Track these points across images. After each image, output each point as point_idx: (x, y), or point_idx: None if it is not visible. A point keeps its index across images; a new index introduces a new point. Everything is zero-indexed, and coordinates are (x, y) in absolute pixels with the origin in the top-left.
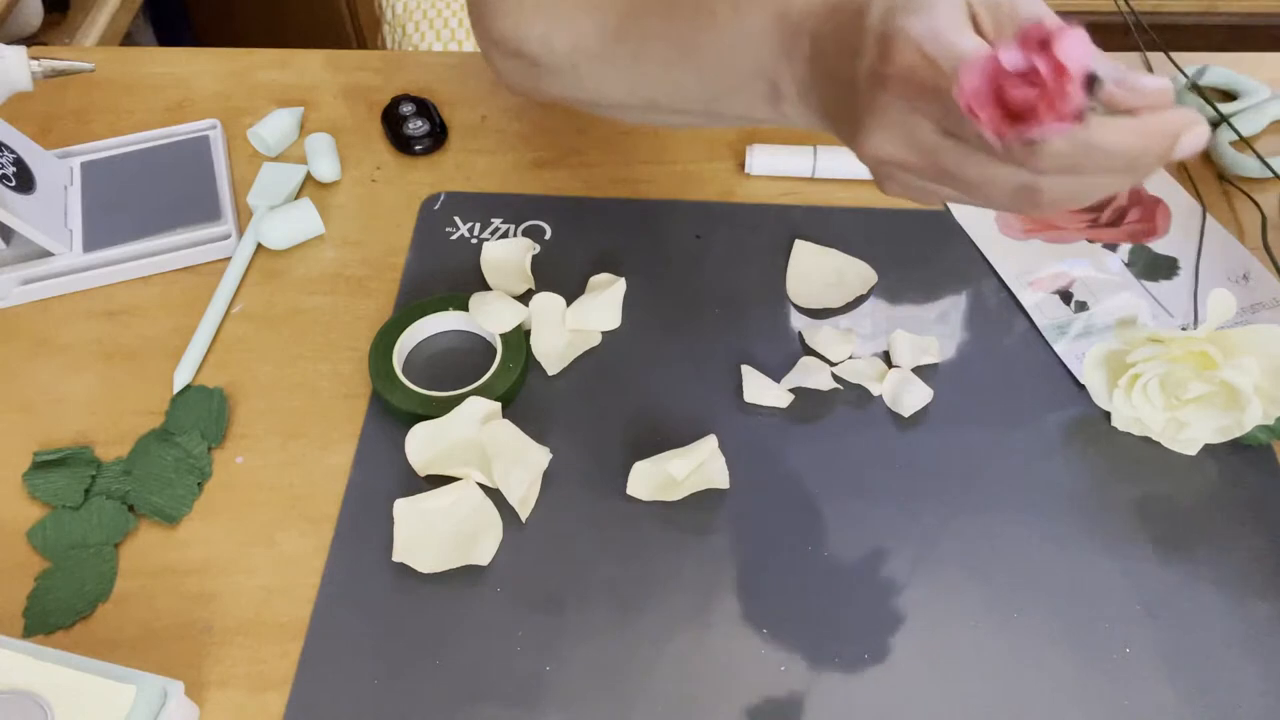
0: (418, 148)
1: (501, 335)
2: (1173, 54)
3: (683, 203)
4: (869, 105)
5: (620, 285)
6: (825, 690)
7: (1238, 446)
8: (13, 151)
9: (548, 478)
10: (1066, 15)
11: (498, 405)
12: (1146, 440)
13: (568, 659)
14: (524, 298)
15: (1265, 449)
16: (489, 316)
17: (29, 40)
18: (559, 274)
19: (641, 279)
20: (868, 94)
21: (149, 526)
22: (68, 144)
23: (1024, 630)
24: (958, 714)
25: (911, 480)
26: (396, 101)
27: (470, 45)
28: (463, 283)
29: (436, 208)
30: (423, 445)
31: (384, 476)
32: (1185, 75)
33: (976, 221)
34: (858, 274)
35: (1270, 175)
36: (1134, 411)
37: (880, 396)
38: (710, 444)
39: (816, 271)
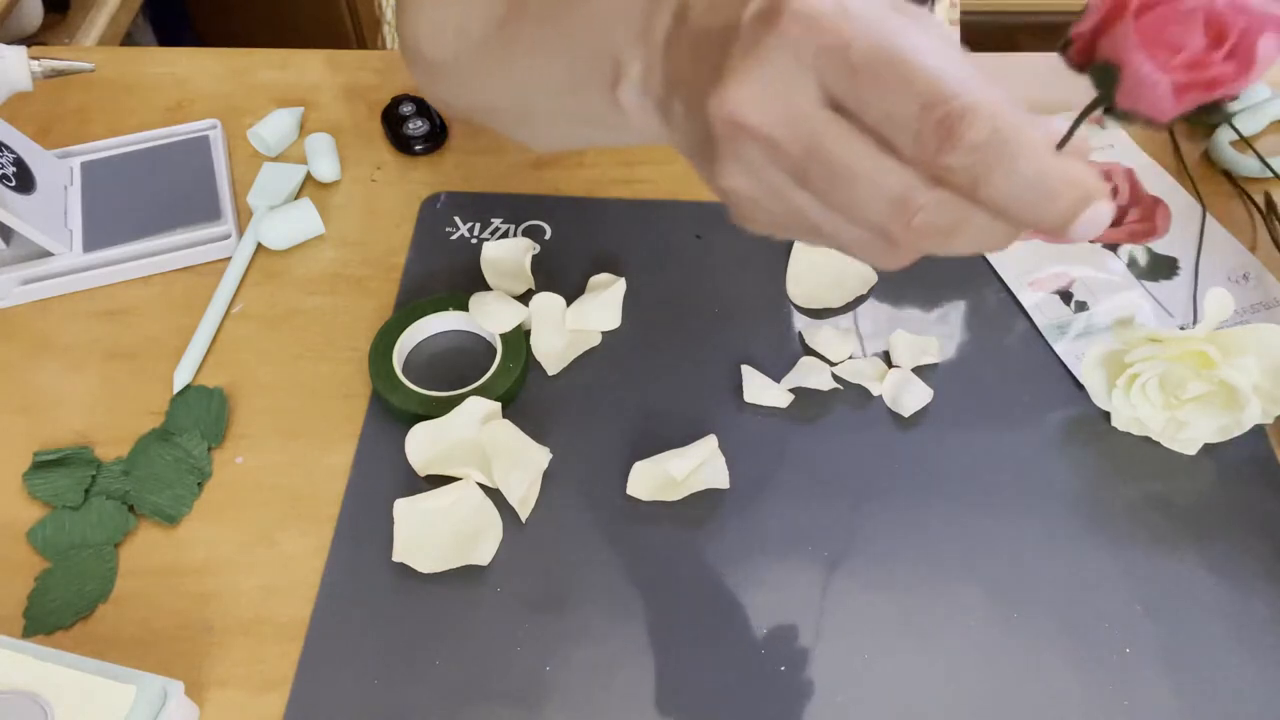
0: (418, 148)
1: (501, 335)
2: None
3: (683, 203)
4: (747, 47)
5: (620, 285)
6: (825, 690)
7: (1238, 446)
8: (13, 151)
9: (548, 478)
10: (1069, 16)
11: (498, 405)
12: (1146, 440)
13: (568, 659)
14: (524, 298)
15: (1265, 449)
16: (489, 316)
17: (29, 40)
18: (559, 274)
19: (641, 279)
20: (749, 37)
21: (149, 526)
22: (68, 144)
23: (1024, 630)
24: (958, 714)
25: (911, 480)
26: (396, 101)
27: None
28: (463, 283)
29: (436, 208)
30: (423, 445)
31: (384, 476)
32: None
33: None
34: (858, 274)
35: (1270, 175)
36: (1133, 411)
37: (880, 396)
38: (710, 444)
39: (816, 271)
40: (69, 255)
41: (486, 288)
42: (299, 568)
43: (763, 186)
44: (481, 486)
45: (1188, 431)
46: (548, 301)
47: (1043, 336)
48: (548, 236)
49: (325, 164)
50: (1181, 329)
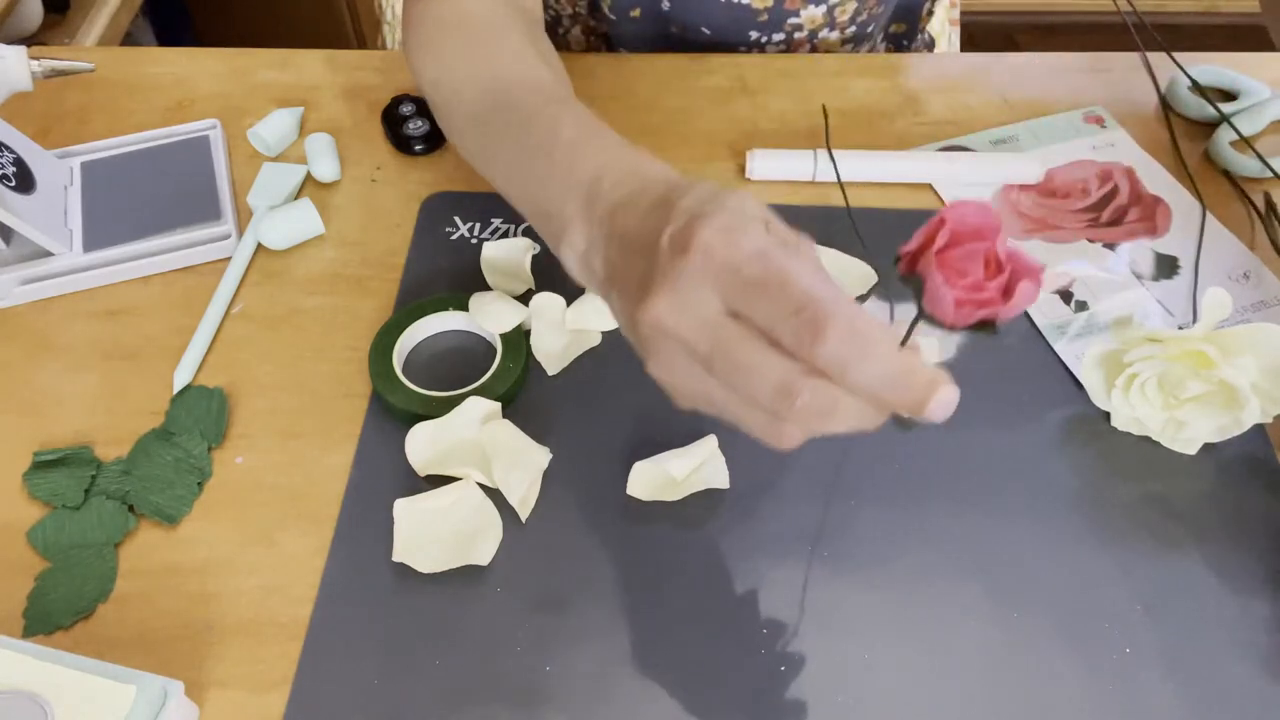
0: (418, 148)
1: (501, 335)
2: (1173, 54)
3: None
4: (664, 270)
5: None
6: (825, 690)
7: (1237, 446)
8: (13, 151)
9: (548, 478)
10: (1069, 15)
11: (498, 405)
12: (1146, 440)
13: (568, 659)
14: (524, 298)
15: (1264, 448)
16: (489, 316)
17: (29, 40)
18: (559, 274)
19: None
20: (666, 259)
21: (149, 526)
22: (68, 144)
23: (1024, 630)
24: (958, 714)
25: (911, 480)
26: (396, 101)
27: None
28: (463, 283)
29: (436, 208)
30: (423, 445)
31: (384, 476)
32: (1186, 75)
33: None
34: (858, 274)
35: (1270, 175)
36: (1132, 411)
37: None
38: (710, 444)
39: None
40: (69, 255)
41: (486, 288)
42: (299, 568)
43: (680, 375)
44: (481, 486)
45: (1187, 431)
46: (548, 301)
47: (1043, 336)
48: None
49: (325, 164)
50: (1180, 329)
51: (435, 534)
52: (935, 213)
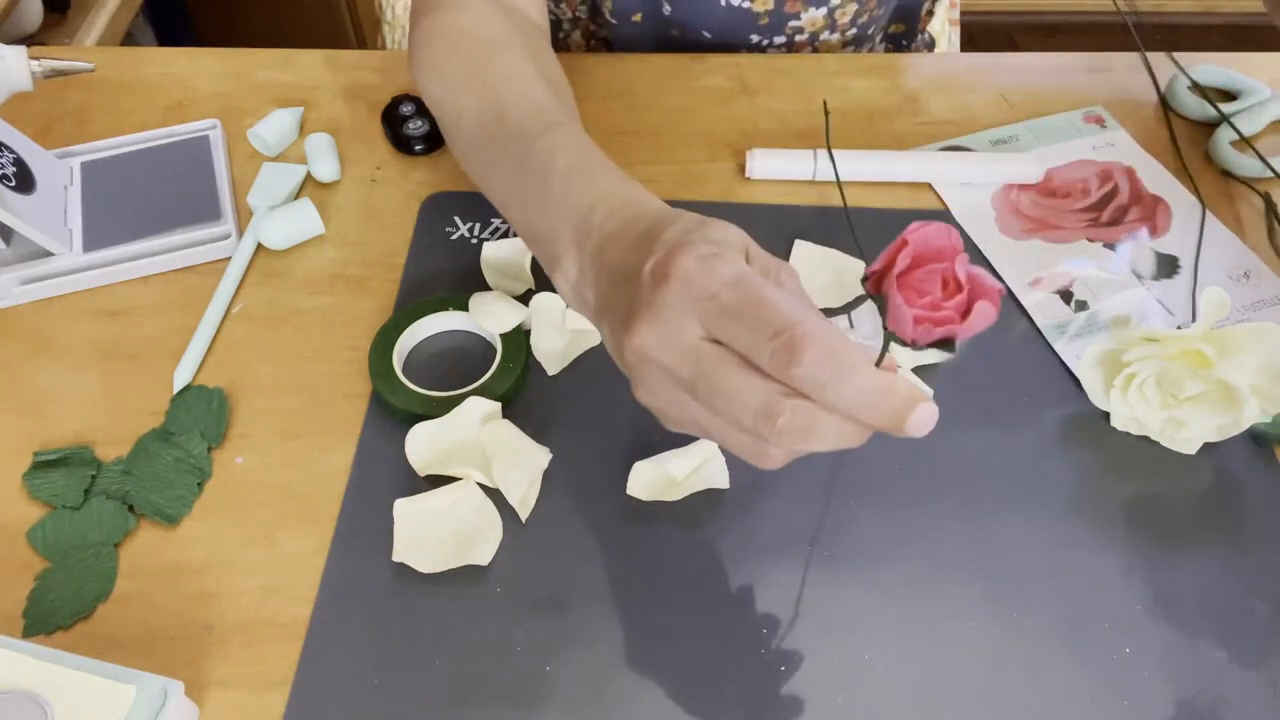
0: (418, 148)
1: (501, 335)
2: (1173, 54)
3: (682, 203)
4: (646, 300)
5: None
6: (825, 690)
7: (1237, 445)
8: (13, 151)
9: (548, 478)
10: (1069, 15)
11: (498, 405)
12: (1146, 439)
13: (568, 659)
14: (524, 298)
15: (1264, 448)
16: (489, 316)
17: (29, 40)
18: None
19: None
20: (648, 290)
21: (149, 526)
22: (68, 144)
23: (1024, 630)
24: (957, 714)
25: (911, 480)
26: (396, 101)
27: None
28: (463, 283)
29: (436, 208)
30: (423, 445)
31: (384, 476)
32: (1186, 75)
33: (977, 221)
34: (858, 274)
35: (1270, 175)
36: (1131, 411)
37: None
38: (710, 444)
39: (816, 271)
40: (69, 255)
41: (486, 288)
42: (299, 568)
43: (666, 400)
44: (481, 486)
45: (1186, 431)
46: (548, 301)
47: (1043, 336)
48: None
49: (325, 164)
50: (1179, 328)
51: (435, 534)
52: (935, 213)
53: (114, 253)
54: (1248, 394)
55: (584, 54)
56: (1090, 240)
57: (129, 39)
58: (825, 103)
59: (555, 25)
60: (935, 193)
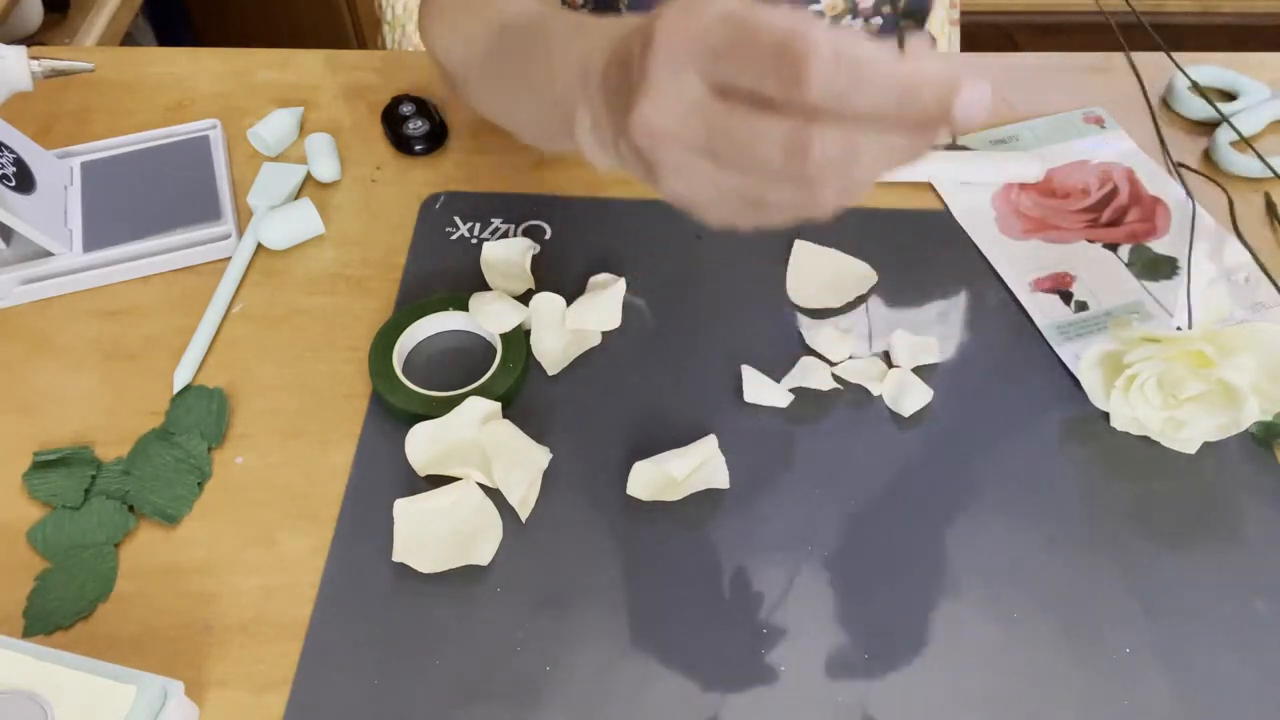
0: (418, 148)
1: (501, 335)
2: (1173, 54)
3: None
4: (640, 76)
5: (620, 285)
6: (825, 690)
7: (1237, 445)
8: (13, 151)
9: (548, 478)
10: (1069, 15)
11: (498, 405)
12: (1145, 439)
13: (568, 659)
14: (524, 298)
15: (1265, 447)
16: (489, 316)
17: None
18: (559, 274)
19: (641, 279)
20: (639, 62)
21: (149, 526)
22: (68, 144)
23: (1024, 630)
24: (957, 713)
25: (911, 480)
26: (396, 101)
27: None
28: (463, 283)
29: (436, 208)
30: (423, 445)
31: (384, 476)
32: (1186, 75)
33: (976, 221)
34: (858, 274)
35: (1270, 175)
36: (1132, 411)
37: (880, 396)
38: (710, 444)
39: (816, 271)
40: (69, 255)
41: (486, 288)
42: (299, 568)
43: (694, 179)
44: (481, 486)
45: (1186, 431)
46: (548, 301)
47: (1043, 336)
48: (548, 236)
49: (325, 164)
50: (1179, 329)
51: (435, 534)
52: (935, 213)
53: (114, 253)
54: (1248, 394)
55: None
56: (1090, 241)
57: (129, 39)
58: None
59: None
60: (935, 192)
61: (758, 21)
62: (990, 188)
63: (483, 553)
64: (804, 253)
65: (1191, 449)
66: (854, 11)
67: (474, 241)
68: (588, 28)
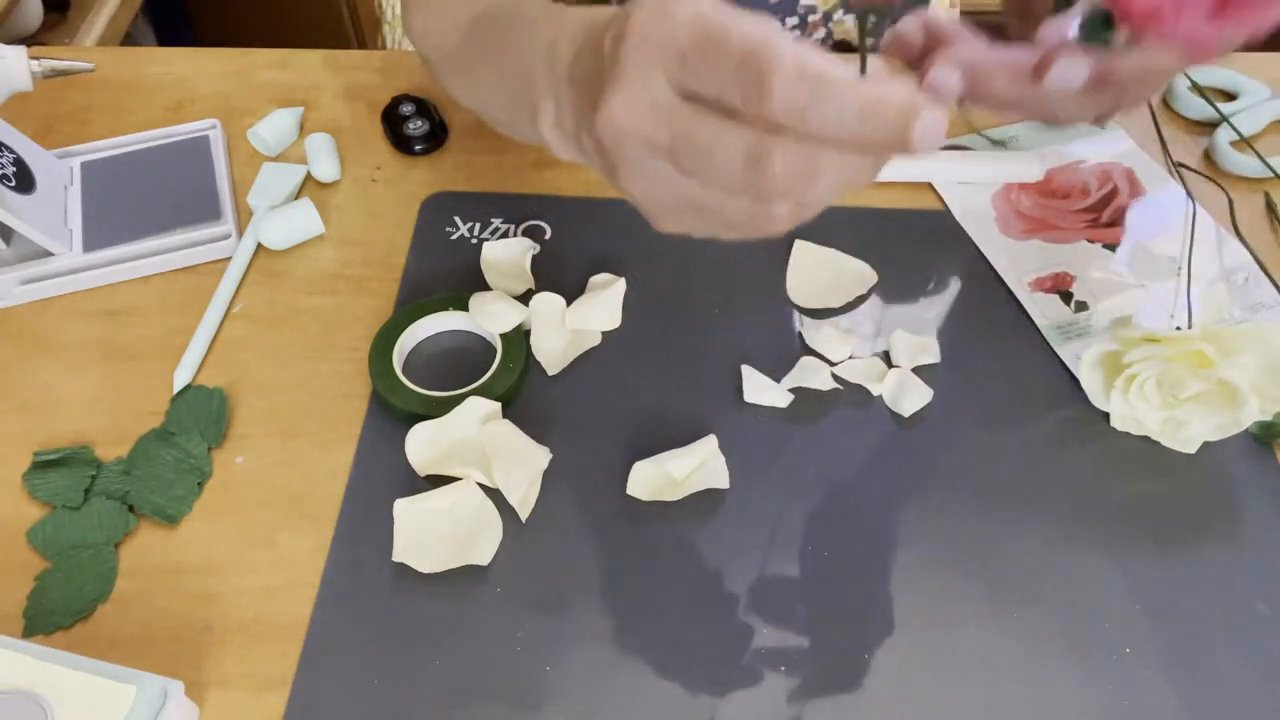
0: (418, 148)
1: (501, 335)
2: None
3: None
4: (609, 69)
5: (620, 285)
6: (825, 690)
7: (1237, 445)
8: (13, 151)
9: (548, 478)
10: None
11: (498, 405)
12: (1145, 439)
13: (568, 659)
14: (524, 298)
15: (1265, 447)
16: (489, 316)
17: (29, 40)
18: (559, 274)
19: (641, 279)
20: (610, 58)
21: (149, 526)
22: (68, 144)
23: (1024, 630)
24: (958, 714)
25: (911, 480)
26: (396, 101)
27: None
28: (463, 283)
29: (436, 208)
30: (423, 445)
31: (384, 476)
32: (1186, 75)
33: (976, 221)
34: (857, 274)
35: (1270, 175)
36: (1131, 411)
37: (880, 396)
38: (710, 444)
39: (816, 271)
40: (69, 255)
41: (486, 288)
42: (299, 568)
43: (653, 181)
44: (481, 486)
45: (1186, 430)
46: (548, 301)
47: (1043, 336)
48: (548, 236)
49: (325, 164)
50: (1178, 329)
51: (435, 534)
52: (935, 213)
53: (114, 253)
54: (1248, 393)
55: None
56: (1090, 241)
57: (129, 39)
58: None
59: None
60: (935, 192)
61: (725, 29)
62: (990, 188)
63: (483, 553)
64: (804, 253)
65: (1191, 449)
66: (845, 6)
67: (474, 241)
68: (555, 15)
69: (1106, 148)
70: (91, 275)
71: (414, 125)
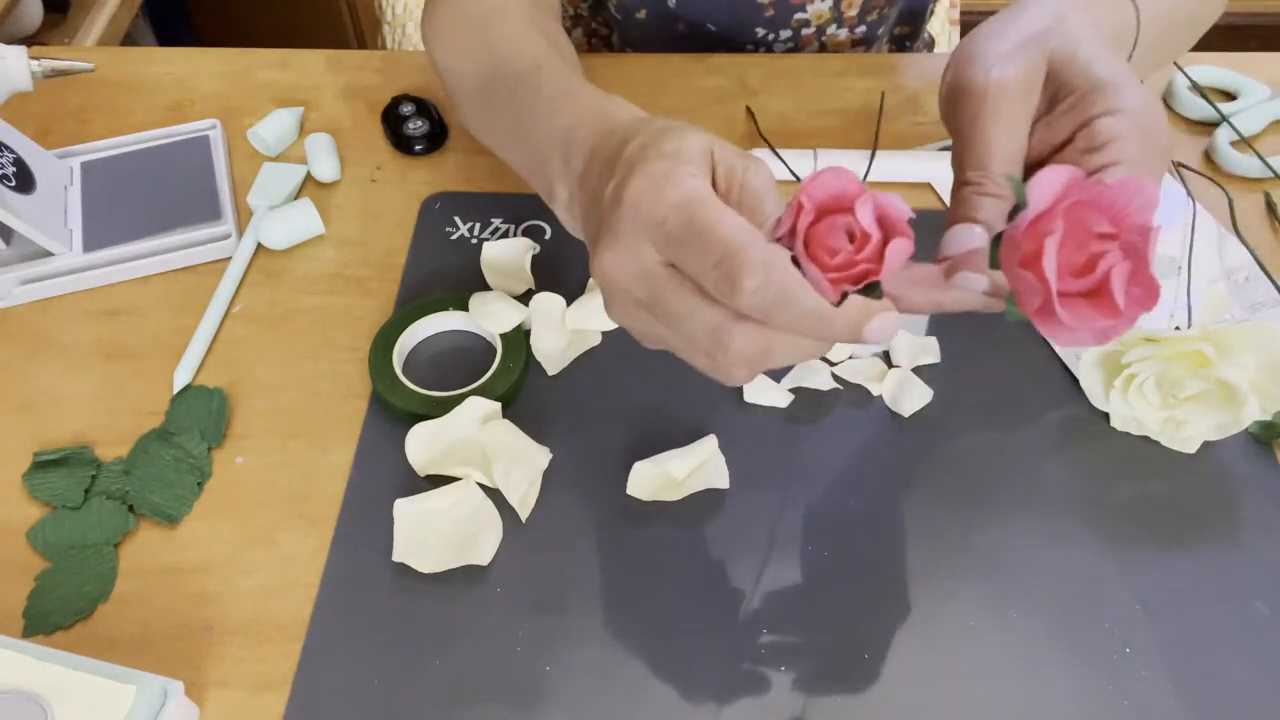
0: (418, 148)
1: (501, 335)
2: None
3: None
4: (606, 224)
5: None
6: (825, 690)
7: (1237, 444)
8: (13, 151)
9: (548, 478)
10: None
11: (498, 405)
12: (1145, 439)
13: (568, 659)
14: (524, 298)
15: (1264, 446)
16: (489, 316)
17: (29, 40)
18: (559, 274)
19: None
20: (609, 213)
21: (149, 526)
22: (68, 144)
23: (1024, 630)
24: (958, 714)
25: (911, 480)
26: (396, 101)
27: None
28: (463, 283)
29: (436, 208)
30: (423, 445)
31: (384, 476)
32: (1186, 75)
33: None
34: None
35: (1270, 175)
36: (1131, 411)
37: (880, 396)
38: (710, 444)
39: None
40: (69, 255)
41: (486, 288)
42: (299, 568)
43: (633, 320)
44: (481, 486)
45: (1186, 430)
46: (548, 301)
47: (1042, 336)
48: (548, 236)
49: (325, 164)
50: (1178, 329)
51: (435, 534)
52: (935, 213)
53: (114, 253)
54: (1248, 393)
55: (585, 54)
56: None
57: (129, 39)
58: (883, 94)
59: None
60: (935, 192)
61: (707, 225)
62: None
63: (483, 553)
64: None
65: (1191, 449)
66: (839, 21)
67: (474, 241)
68: (572, 96)
69: None
70: (91, 275)
71: (414, 125)
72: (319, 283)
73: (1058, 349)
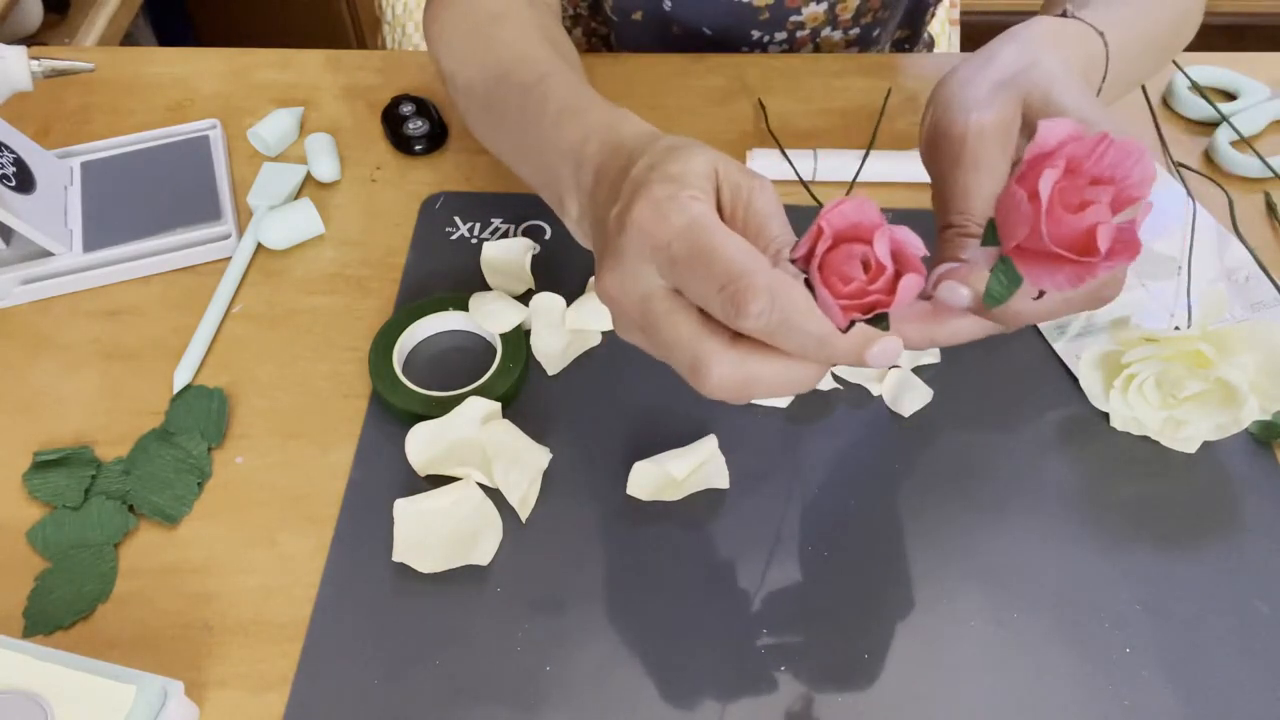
0: (418, 148)
1: (501, 335)
2: None
3: None
4: (611, 246)
5: None
6: (825, 690)
7: (1237, 444)
8: (13, 151)
9: (548, 478)
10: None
11: (498, 405)
12: (1145, 439)
13: (568, 659)
14: (524, 298)
15: (1264, 446)
16: (489, 316)
17: (29, 40)
18: (559, 274)
19: None
20: (613, 236)
21: (149, 526)
22: (68, 144)
23: (1024, 630)
24: (958, 714)
25: (911, 480)
26: (396, 101)
27: None
28: (463, 283)
29: (436, 208)
30: (423, 445)
31: (384, 476)
32: (1186, 75)
33: None
34: None
35: (1270, 175)
36: (1131, 411)
37: (880, 396)
38: (710, 444)
39: None
40: (69, 255)
41: (486, 288)
42: (299, 568)
43: (635, 339)
44: (481, 486)
45: (1186, 430)
46: (548, 301)
47: (1042, 336)
48: (548, 236)
49: (325, 164)
50: (1178, 329)
51: (435, 534)
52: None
53: (114, 253)
54: (1248, 393)
55: (585, 54)
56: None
57: (129, 39)
58: (889, 91)
59: None
60: None
61: (712, 249)
62: None
63: (483, 553)
64: None
65: (1191, 449)
66: (833, 23)
67: (474, 241)
68: (581, 109)
69: None
70: (91, 275)
71: (414, 125)
72: (319, 283)
73: (1058, 350)
